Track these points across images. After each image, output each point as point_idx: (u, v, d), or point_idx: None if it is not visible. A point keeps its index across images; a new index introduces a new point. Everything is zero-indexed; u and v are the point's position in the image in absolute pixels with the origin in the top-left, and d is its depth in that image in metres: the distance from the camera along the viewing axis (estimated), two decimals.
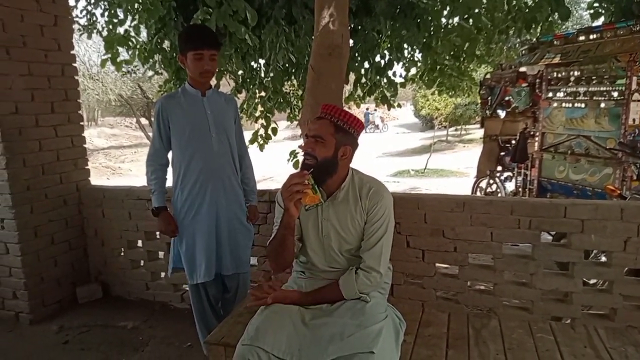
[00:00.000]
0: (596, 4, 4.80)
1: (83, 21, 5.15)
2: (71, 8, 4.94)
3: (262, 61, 4.87)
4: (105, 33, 4.72)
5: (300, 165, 1.84)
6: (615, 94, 4.26)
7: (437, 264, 2.64)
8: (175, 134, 2.41)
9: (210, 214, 2.42)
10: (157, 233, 3.32)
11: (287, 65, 4.60)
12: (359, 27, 4.37)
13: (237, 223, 2.52)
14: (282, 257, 1.83)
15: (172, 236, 2.50)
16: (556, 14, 3.54)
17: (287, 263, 1.88)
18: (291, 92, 5.44)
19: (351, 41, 4.08)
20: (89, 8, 4.92)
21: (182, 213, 2.44)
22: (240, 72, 4.88)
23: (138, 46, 4.59)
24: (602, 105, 4.36)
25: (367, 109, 26.42)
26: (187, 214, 2.44)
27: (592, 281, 2.93)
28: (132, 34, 4.48)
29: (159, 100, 2.47)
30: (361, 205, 1.81)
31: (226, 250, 2.48)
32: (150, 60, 4.65)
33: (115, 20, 4.63)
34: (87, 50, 15.17)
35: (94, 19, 4.98)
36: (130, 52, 4.66)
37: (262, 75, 4.97)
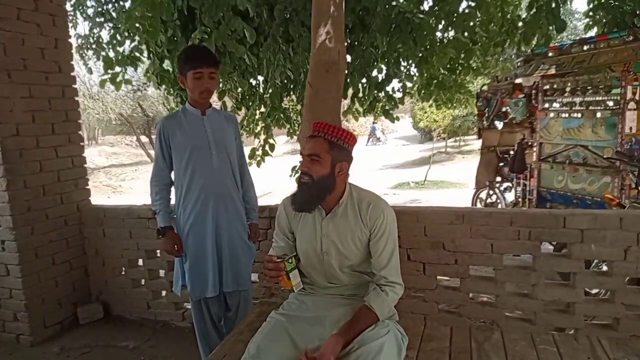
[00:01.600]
0: (591, 13, 4.86)
1: (93, 46, 5.21)
2: (82, 36, 5.04)
3: (261, 78, 4.92)
4: (112, 54, 4.77)
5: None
6: (611, 104, 4.29)
7: (438, 277, 2.64)
8: (176, 153, 2.44)
9: (212, 231, 2.43)
10: (158, 251, 3.32)
11: (285, 81, 4.64)
12: (356, 43, 4.43)
13: (238, 240, 2.52)
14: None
15: (177, 256, 2.50)
16: (552, 26, 3.59)
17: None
18: (290, 107, 5.47)
19: (348, 57, 4.13)
20: (95, 31, 4.99)
21: (185, 231, 2.46)
22: (240, 89, 4.93)
23: (147, 67, 4.63)
24: (598, 114, 4.38)
25: (374, 122, 25.89)
26: (190, 231, 2.45)
27: (594, 291, 2.92)
28: (137, 54, 4.54)
29: (159, 121, 2.50)
30: (361, 221, 1.82)
31: (228, 267, 2.48)
32: (163, 83, 4.68)
33: (115, 41, 4.70)
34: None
35: (100, 40, 5.06)
36: (137, 72, 4.69)
37: (262, 92, 5.01)
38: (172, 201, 2.55)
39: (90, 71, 5.45)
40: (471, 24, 3.96)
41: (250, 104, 4.99)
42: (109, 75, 4.40)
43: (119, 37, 4.69)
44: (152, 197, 2.51)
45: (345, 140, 1.80)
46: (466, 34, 4.04)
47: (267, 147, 5.12)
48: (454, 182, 12.83)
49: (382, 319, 1.74)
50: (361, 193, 1.88)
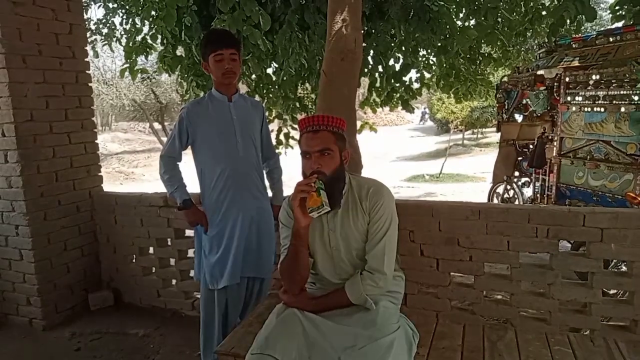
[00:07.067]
0: (617, 7, 4.66)
1: (104, 30, 5.21)
2: (93, 22, 5.05)
3: (275, 65, 4.87)
4: (124, 41, 4.77)
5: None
6: (636, 98, 4.13)
7: (452, 273, 2.58)
8: (202, 140, 2.43)
9: (237, 218, 2.43)
10: (169, 240, 3.31)
11: (299, 69, 4.59)
12: (373, 31, 4.34)
13: (262, 227, 2.51)
14: (297, 271, 1.79)
15: (204, 226, 2.48)
16: (582, 16, 3.46)
17: (303, 278, 1.82)
18: (305, 95, 5.42)
19: (364, 45, 4.06)
20: (108, 17, 4.99)
21: (210, 219, 2.46)
22: (254, 76, 4.88)
23: (159, 54, 4.61)
24: (622, 109, 4.23)
25: (424, 107, 28.26)
26: (214, 219, 2.45)
27: (612, 291, 2.84)
28: (150, 41, 4.51)
29: (185, 106, 2.51)
30: (362, 209, 1.79)
31: (253, 254, 2.48)
32: (175, 69, 4.65)
33: (133, 30, 4.68)
34: (102, 56, 15.37)
35: (113, 27, 5.05)
36: (151, 60, 4.70)
37: (275, 79, 4.96)
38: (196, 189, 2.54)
39: (96, 55, 5.46)
40: (494, 7, 3.82)
41: (264, 92, 4.94)
42: (128, 65, 4.40)
43: (137, 25, 4.67)
44: (167, 175, 2.46)
45: (342, 128, 1.79)
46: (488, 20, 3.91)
47: (281, 136, 5.10)
48: (470, 175, 12.68)
49: (354, 302, 1.75)
50: (361, 181, 1.86)
